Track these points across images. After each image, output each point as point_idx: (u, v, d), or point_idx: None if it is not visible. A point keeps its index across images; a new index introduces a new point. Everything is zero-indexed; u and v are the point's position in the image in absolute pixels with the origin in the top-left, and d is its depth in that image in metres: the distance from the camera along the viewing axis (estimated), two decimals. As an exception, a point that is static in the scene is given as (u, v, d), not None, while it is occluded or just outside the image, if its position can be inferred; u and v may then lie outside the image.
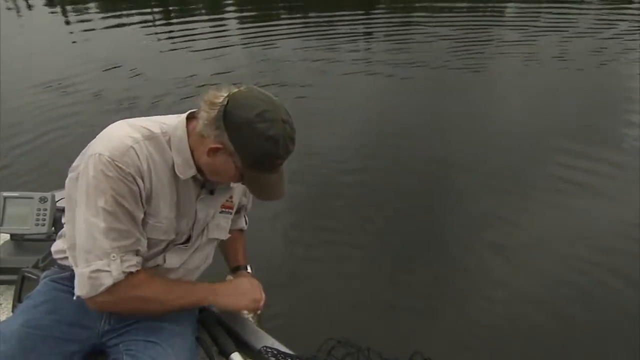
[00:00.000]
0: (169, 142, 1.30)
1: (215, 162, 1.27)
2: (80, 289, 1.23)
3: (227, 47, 8.53)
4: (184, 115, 1.34)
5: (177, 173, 1.30)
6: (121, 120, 1.32)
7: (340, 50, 8.08)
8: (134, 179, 1.23)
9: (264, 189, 1.32)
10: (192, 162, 1.30)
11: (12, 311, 1.61)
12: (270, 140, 1.20)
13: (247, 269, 1.73)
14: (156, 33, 9.98)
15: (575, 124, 4.96)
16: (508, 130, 4.88)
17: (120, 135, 1.25)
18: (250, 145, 1.21)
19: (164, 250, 1.39)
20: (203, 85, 6.38)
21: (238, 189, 1.57)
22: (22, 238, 1.84)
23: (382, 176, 4.17)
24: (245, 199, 1.70)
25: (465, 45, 8.30)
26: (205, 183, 1.39)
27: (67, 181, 1.34)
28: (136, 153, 1.23)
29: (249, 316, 1.60)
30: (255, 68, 7.34)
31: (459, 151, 4.47)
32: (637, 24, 9.40)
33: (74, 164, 1.32)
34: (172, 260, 1.41)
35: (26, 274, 1.59)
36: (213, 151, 1.24)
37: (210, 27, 10.33)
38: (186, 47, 8.54)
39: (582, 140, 4.52)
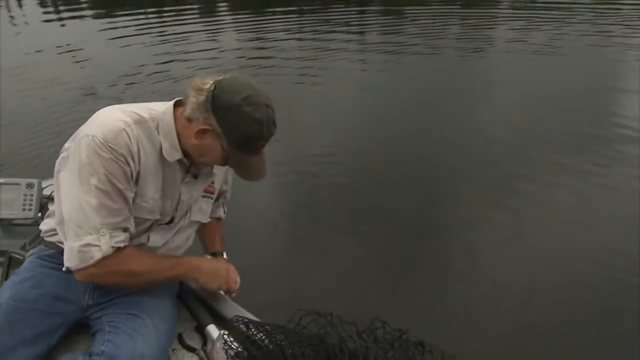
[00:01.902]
0: (157, 127, 1.39)
1: (203, 144, 1.35)
2: (70, 261, 1.31)
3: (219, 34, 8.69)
4: (171, 102, 1.43)
5: (165, 155, 1.39)
6: (111, 106, 1.41)
7: (326, 50, 8.17)
8: (126, 159, 1.31)
9: (247, 169, 1.42)
10: (178, 146, 1.39)
11: None
12: (255, 123, 1.31)
13: (223, 255, 1.81)
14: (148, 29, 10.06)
15: (567, 119, 5.00)
16: (500, 125, 4.93)
17: (112, 118, 1.34)
18: (236, 126, 1.31)
19: (148, 230, 1.48)
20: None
21: (219, 175, 1.66)
22: (10, 223, 1.91)
23: (365, 165, 4.26)
24: (226, 186, 1.78)
25: (458, 36, 8.60)
26: (190, 167, 1.48)
27: (57, 161, 1.41)
28: (127, 135, 1.32)
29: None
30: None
31: (450, 145, 4.52)
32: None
33: (65, 145, 1.40)
34: (156, 239, 1.50)
35: (13, 254, 1.67)
36: (201, 133, 1.33)
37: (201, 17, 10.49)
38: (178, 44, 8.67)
39: (576, 136, 4.54)
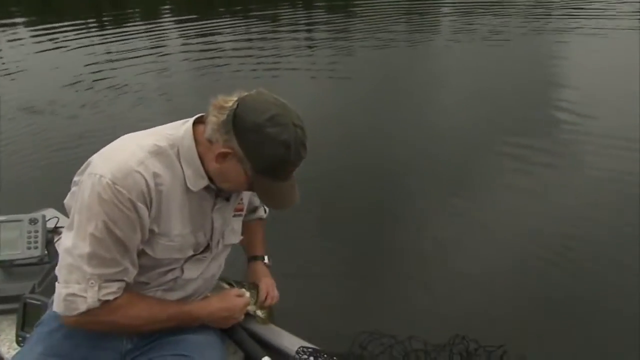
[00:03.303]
0: (177, 154, 1.24)
1: (224, 169, 1.22)
2: (57, 307, 1.21)
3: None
4: (191, 120, 1.28)
5: (189, 185, 1.25)
6: (127, 136, 1.27)
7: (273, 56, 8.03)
8: (134, 205, 1.17)
9: (275, 197, 1.28)
10: (202, 171, 1.25)
11: (16, 341, 1.52)
12: (281, 145, 1.16)
13: (264, 259, 1.72)
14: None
15: (513, 110, 5.10)
16: (451, 122, 4.96)
17: (125, 156, 1.19)
18: (260, 150, 1.17)
19: (182, 264, 1.36)
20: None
21: None
22: (11, 264, 1.73)
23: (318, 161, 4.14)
24: (256, 198, 1.63)
25: (405, 29, 8.75)
26: (220, 191, 1.34)
27: (67, 197, 1.31)
28: (142, 176, 1.17)
29: (261, 313, 1.59)
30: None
31: (403, 146, 4.45)
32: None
33: (75, 178, 1.29)
34: (191, 271, 1.38)
35: (28, 300, 1.51)
36: (222, 156, 1.19)
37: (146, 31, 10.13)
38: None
39: (524, 126, 4.63)
